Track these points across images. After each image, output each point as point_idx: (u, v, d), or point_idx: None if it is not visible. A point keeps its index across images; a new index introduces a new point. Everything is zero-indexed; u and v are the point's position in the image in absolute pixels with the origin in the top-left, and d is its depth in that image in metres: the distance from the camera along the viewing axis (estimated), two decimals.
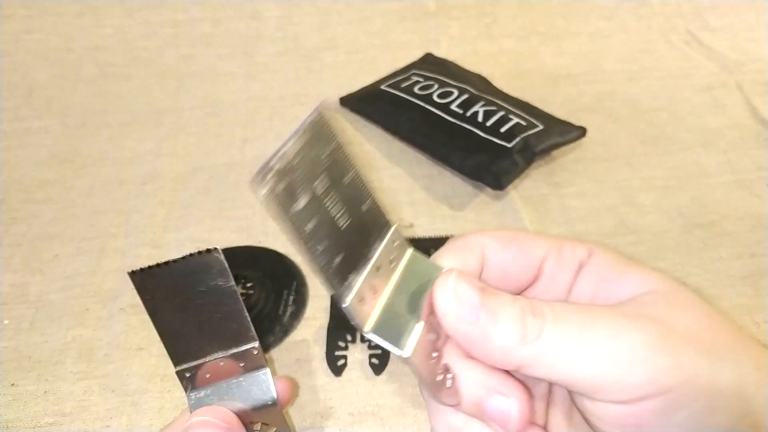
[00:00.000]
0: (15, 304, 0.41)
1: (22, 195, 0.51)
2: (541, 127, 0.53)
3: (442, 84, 0.58)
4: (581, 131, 0.55)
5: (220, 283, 0.22)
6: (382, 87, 0.60)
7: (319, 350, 0.38)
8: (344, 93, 0.63)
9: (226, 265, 0.22)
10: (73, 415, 0.35)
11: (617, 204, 0.50)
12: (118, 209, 0.49)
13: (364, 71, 0.67)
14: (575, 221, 0.49)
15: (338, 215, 0.19)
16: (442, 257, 0.23)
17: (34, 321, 0.40)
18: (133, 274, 0.22)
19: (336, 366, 0.37)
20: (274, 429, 0.24)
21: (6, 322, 0.40)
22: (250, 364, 0.24)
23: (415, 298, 0.21)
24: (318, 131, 0.19)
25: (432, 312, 0.21)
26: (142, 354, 0.38)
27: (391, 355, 0.38)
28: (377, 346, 0.38)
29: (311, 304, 0.41)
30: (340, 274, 0.19)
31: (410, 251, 0.22)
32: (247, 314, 0.23)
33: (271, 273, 0.43)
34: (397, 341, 0.20)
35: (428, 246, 0.46)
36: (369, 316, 0.20)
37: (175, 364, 0.23)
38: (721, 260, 0.45)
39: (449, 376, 0.21)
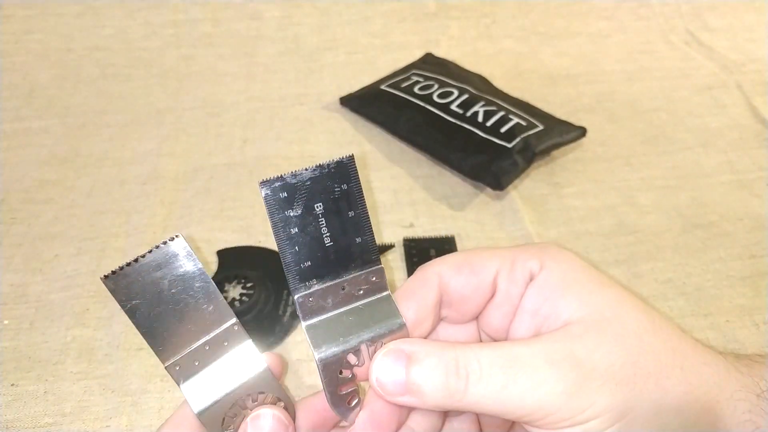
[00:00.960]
0: (15, 304, 0.41)
1: (23, 195, 0.51)
2: (541, 127, 0.53)
3: (442, 84, 0.58)
4: (581, 131, 0.55)
5: (188, 269, 0.23)
6: (382, 87, 0.60)
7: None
8: (344, 93, 0.63)
9: (190, 248, 0.23)
10: (73, 415, 0.35)
11: (617, 204, 0.50)
12: (118, 209, 0.49)
13: (365, 71, 0.67)
14: (575, 221, 0.49)
15: (326, 235, 0.23)
16: (404, 296, 0.25)
17: (34, 321, 0.40)
18: (106, 279, 0.22)
19: None
20: (273, 396, 0.25)
21: (6, 322, 0.40)
22: (234, 340, 0.24)
23: (360, 328, 0.24)
24: (341, 170, 0.23)
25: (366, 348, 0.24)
26: (142, 354, 0.38)
27: None
28: None
29: None
30: (301, 276, 0.23)
31: (386, 293, 0.25)
32: (220, 293, 0.24)
33: (271, 273, 0.43)
34: (319, 344, 0.23)
35: (428, 246, 0.46)
36: (312, 315, 0.24)
37: (164, 361, 0.23)
38: (720, 260, 0.45)
39: (355, 401, 0.24)
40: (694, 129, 0.60)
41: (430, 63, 0.66)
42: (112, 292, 0.22)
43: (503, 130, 0.52)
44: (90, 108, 0.62)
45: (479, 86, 0.59)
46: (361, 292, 0.24)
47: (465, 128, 0.53)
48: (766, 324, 0.40)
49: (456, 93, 0.56)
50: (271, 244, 0.46)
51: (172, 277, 0.23)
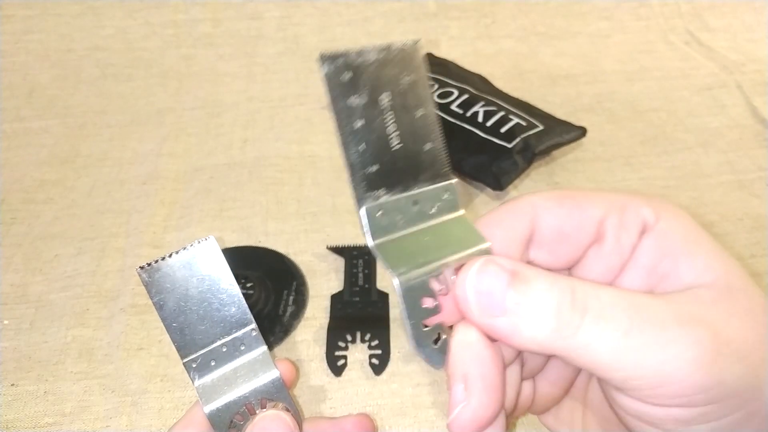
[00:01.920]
0: (15, 304, 0.41)
1: (23, 195, 0.51)
2: (541, 127, 0.53)
3: (442, 84, 0.58)
4: (581, 131, 0.55)
5: (216, 270, 0.24)
6: None
7: (319, 350, 0.38)
8: None
9: (221, 252, 0.24)
10: (73, 415, 0.35)
11: None
12: (118, 209, 0.49)
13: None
14: None
15: (393, 135, 0.20)
16: (488, 223, 0.22)
17: (34, 321, 0.40)
18: (142, 270, 0.23)
19: (336, 366, 0.37)
20: (282, 405, 0.25)
21: (6, 322, 0.40)
22: (250, 345, 0.25)
23: (439, 251, 0.20)
24: (406, 58, 0.19)
25: (448, 274, 0.20)
26: (142, 354, 0.38)
27: (392, 355, 0.38)
28: (377, 346, 0.38)
29: (311, 304, 0.41)
30: (368, 182, 0.19)
31: (461, 212, 0.21)
32: (243, 298, 0.25)
33: (271, 273, 0.43)
34: (397, 267, 0.19)
35: None
36: (383, 233, 0.20)
37: (183, 357, 0.24)
38: None
39: (443, 338, 0.20)
40: (694, 129, 0.60)
41: (430, 63, 0.66)
42: (146, 284, 0.23)
43: (503, 130, 0.52)
44: (90, 108, 0.62)
45: (479, 86, 0.59)
46: (434, 210, 0.21)
47: (465, 128, 0.53)
48: None
49: (456, 93, 0.56)
50: (272, 243, 0.46)
51: (200, 276, 0.24)
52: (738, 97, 0.64)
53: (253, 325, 0.25)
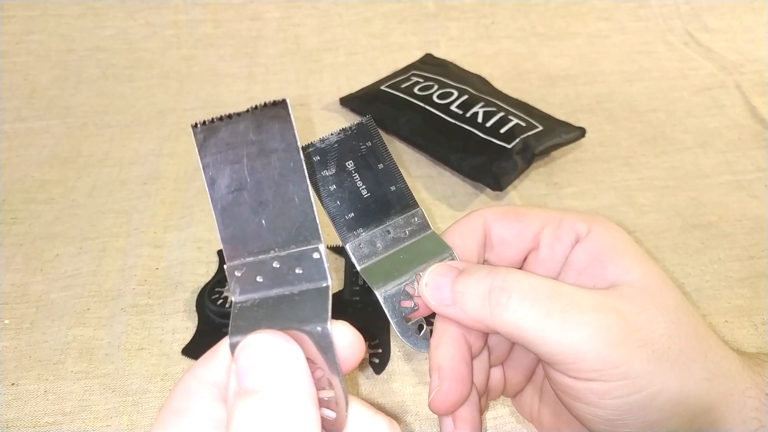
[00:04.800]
0: (16, 304, 0.41)
1: (24, 195, 0.51)
2: (540, 128, 0.53)
3: (441, 85, 0.58)
4: (580, 132, 0.55)
5: (285, 149, 0.18)
6: (382, 87, 0.60)
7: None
8: (344, 93, 0.63)
9: (295, 125, 0.18)
10: (73, 415, 0.35)
11: (616, 204, 0.51)
12: (119, 209, 0.49)
13: (364, 72, 0.67)
14: None
15: (362, 188, 0.26)
16: (450, 234, 0.27)
17: (34, 320, 0.40)
18: (196, 128, 0.19)
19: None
20: (326, 373, 0.18)
21: (7, 321, 0.40)
22: (309, 273, 0.19)
23: (412, 262, 0.25)
24: (362, 131, 0.26)
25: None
26: (142, 354, 0.38)
27: (392, 354, 0.38)
28: (378, 346, 0.38)
29: None
30: (347, 226, 0.25)
31: (430, 231, 0.27)
32: (312, 201, 0.19)
33: None
34: (377, 282, 0.25)
35: None
36: (365, 260, 0.25)
37: (228, 258, 0.19)
38: (719, 261, 0.45)
39: (423, 329, 0.25)
40: (693, 129, 0.60)
41: (429, 64, 0.66)
42: (199, 146, 0.19)
43: (503, 130, 0.52)
44: (91, 108, 0.62)
45: (479, 87, 0.60)
46: (407, 233, 0.26)
47: (465, 129, 0.53)
48: (764, 325, 0.40)
49: (456, 94, 0.57)
50: None
51: (263, 154, 0.18)
52: (737, 97, 0.64)
53: (320, 245, 0.19)
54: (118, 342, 0.39)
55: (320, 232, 0.19)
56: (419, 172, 0.54)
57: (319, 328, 0.18)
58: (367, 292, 0.41)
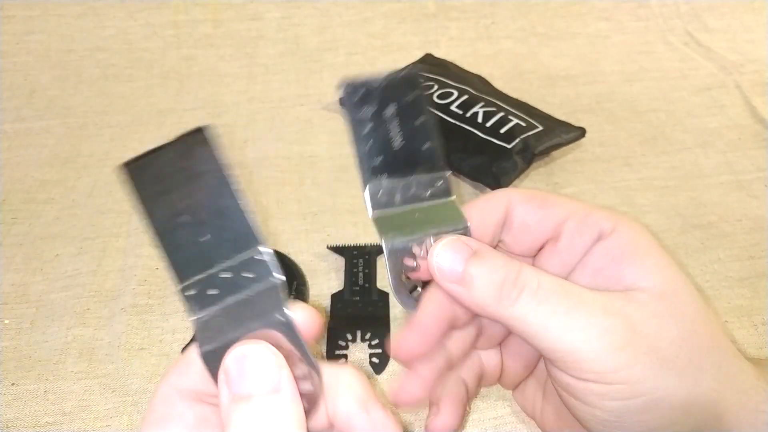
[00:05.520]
0: (16, 304, 0.41)
1: (24, 195, 0.51)
2: (540, 128, 0.53)
3: (441, 85, 0.58)
4: (580, 132, 0.55)
5: (214, 170, 0.19)
6: None
7: (320, 349, 0.39)
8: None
9: (219, 146, 0.19)
10: (73, 415, 0.35)
11: (616, 204, 0.51)
12: (119, 209, 0.49)
13: (364, 72, 0.67)
14: None
15: (395, 137, 0.25)
16: (471, 207, 0.26)
17: (34, 320, 0.40)
18: (125, 166, 0.19)
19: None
20: (297, 355, 0.20)
21: (6, 321, 0.40)
22: (259, 274, 0.20)
23: (426, 224, 0.25)
24: (408, 80, 0.25)
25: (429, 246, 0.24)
26: (143, 354, 0.38)
27: (392, 354, 0.38)
28: (378, 345, 0.38)
29: (312, 303, 0.41)
30: (372, 170, 0.25)
31: (452, 197, 0.26)
32: (249, 209, 0.20)
33: None
34: (386, 232, 0.24)
35: None
36: (381, 207, 0.25)
37: (180, 281, 0.20)
38: (719, 261, 0.45)
39: (417, 291, 0.25)
40: (693, 129, 0.60)
41: (429, 64, 0.66)
42: (131, 182, 0.19)
43: (503, 130, 0.52)
44: (91, 108, 0.62)
45: (479, 87, 0.60)
46: (428, 193, 0.25)
47: (465, 129, 0.53)
48: (764, 325, 0.40)
49: (455, 94, 0.57)
50: (272, 244, 0.46)
51: (194, 178, 0.19)
52: (737, 97, 0.64)
53: (262, 247, 0.20)
54: (118, 342, 0.39)
55: (259, 235, 0.20)
56: None
57: (280, 318, 0.20)
58: (367, 292, 0.41)
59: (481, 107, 0.55)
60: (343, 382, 0.22)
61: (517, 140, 0.51)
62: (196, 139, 0.19)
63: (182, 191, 0.20)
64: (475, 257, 0.23)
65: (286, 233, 0.47)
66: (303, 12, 0.74)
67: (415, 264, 0.25)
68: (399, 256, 0.24)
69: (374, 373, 0.37)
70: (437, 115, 0.55)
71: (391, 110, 0.24)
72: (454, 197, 0.26)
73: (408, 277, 0.25)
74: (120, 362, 0.38)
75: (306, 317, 0.21)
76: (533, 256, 0.27)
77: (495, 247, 0.27)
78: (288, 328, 0.20)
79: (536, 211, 0.26)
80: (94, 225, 0.48)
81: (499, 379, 0.30)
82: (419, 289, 0.25)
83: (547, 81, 0.67)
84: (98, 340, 0.39)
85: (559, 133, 0.53)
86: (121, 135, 0.58)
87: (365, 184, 0.24)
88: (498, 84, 0.62)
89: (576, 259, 0.25)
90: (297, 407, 0.19)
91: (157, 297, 0.42)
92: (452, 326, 0.26)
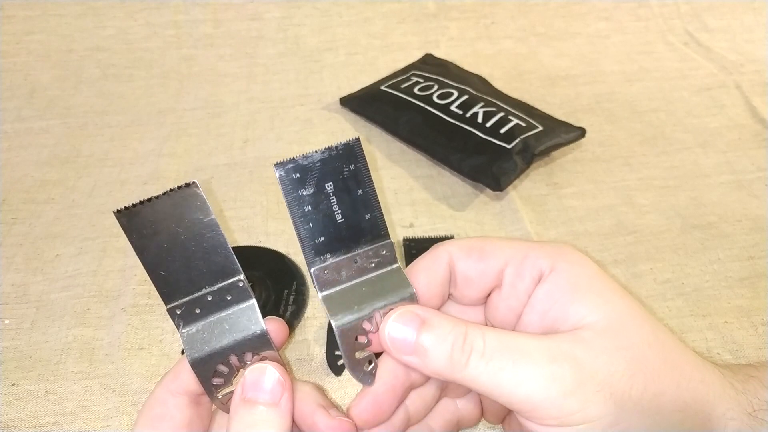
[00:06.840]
0: (16, 304, 0.41)
1: (24, 195, 0.51)
2: (540, 128, 0.53)
3: (441, 85, 0.58)
4: (580, 132, 0.55)
5: (201, 217, 0.23)
6: (382, 88, 0.60)
7: (319, 350, 0.39)
8: (344, 93, 0.63)
9: (205, 198, 0.23)
10: (73, 415, 0.35)
11: (616, 204, 0.51)
12: None
13: (364, 72, 0.67)
14: (574, 221, 0.49)
15: (336, 213, 0.25)
16: (416, 270, 0.27)
17: (35, 321, 0.40)
18: (119, 213, 0.22)
19: (336, 366, 0.37)
20: (273, 356, 0.25)
21: (7, 321, 0.40)
22: (237, 297, 0.24)
23: (373, 297, 0.25)
24: (348, 151, 0.24)
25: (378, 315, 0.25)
26: (143, 354, 0.38)
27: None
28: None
29: (311, 304, 0.42)
30: (316, 250, 0.25)
31: (396, 265, 0.26)
32: (229, 247, 0.24)
33: (272, 273, 0.43)
34: (336, 313, 0.25)
35: (428, 246, 0.45)
36: (328, 287, 0.25)
37: (167, 302, 0.24)
38: (719, 261, 0.45)
39: (372, 365, 0.26)
40: (693, 129, 0.60)
41: (429, 64, 0.66)
42: (124, 227, 0.23)
43: (503, 131, 0.52)
44: (91, 108, 0.62)
45: (479, 87, 0.60)
46: (373, 264, 0.26)
47: (465, 129, 0.53)
48: (764, 325, 0.40)
49: (456, 94, 0.57)
50: (272, 243, 0.46)
51: (184, 223, 0.23)
52: (737, 97, 0.64)
53: (241, 276, 0.24)
54: (118, 342, 0.39)
55: (238, 266, 0.24)
56: (419, 172, 0.54)
57: (257, 331, 0.24)
58: None
59: (481, 107, 0.55)
60: (305, 390, 0.26)
61: (517, 140, 0.51)
62: (187, 192, 0.23)
63: (173, 232, 0.23)
64: (423, 327, 0.23)
65: (286, 233, 0.47)
66: (303, 12, 0.74)
67: (366, 340, 0.25)
68: (351, 335, 0.25)
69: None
70: (437, 115, 0.55)
71: (329, 187, 0.24)
72: (398, 264, 0.26)
73: (360, 354, 0.25)
74: (120, 362, 0.38)
75: (277, 329, 0.25)
76: (483, 304, 0.28)
77: (447, 300, 0.28)
78: (264, 339, 0.24)
79: (476, 264, 0.26)
80: (94, 225, 0.48)
81: (484, 416, 0.31)
82: (374, 362, 0.26)
83: (547, 81, 0.67)
84: (98, 340, 0.39)
85: (559, 133, 0.53)
86: (121, 135, 0.58)
87: (310, 265, 0.25)
88: (498, 84, 0.62)
89: (522, 303, 0.26)
90: (288, 421, 0.23)
91: (157, 297, 0.42)
92: (411, 388, 0.26)
